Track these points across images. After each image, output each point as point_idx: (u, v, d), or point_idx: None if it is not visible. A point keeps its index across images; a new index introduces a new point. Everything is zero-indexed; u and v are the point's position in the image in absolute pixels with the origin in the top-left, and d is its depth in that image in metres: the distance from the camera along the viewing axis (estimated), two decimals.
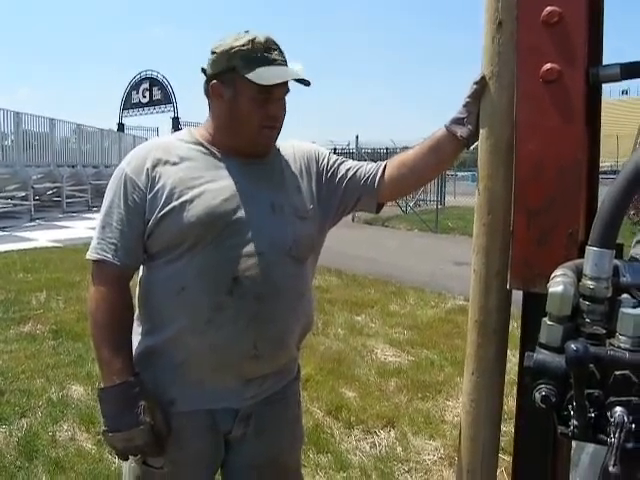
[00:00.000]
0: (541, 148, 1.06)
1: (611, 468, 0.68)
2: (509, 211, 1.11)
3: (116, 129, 26.84)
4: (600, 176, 1.29)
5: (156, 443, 1.24)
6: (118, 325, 1.27)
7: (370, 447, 2.94)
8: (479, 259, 1.19)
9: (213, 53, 1.29)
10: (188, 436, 1.31)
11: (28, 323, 4.87)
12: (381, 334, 4.84)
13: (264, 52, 1.25)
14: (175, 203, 1.24)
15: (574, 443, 1.23)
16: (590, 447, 1.28)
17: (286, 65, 1.29)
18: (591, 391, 0.73)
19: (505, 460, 2.13)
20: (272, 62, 1.26)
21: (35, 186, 14.57)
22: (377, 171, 1.43)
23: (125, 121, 29.30)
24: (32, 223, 12.89)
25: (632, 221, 10.03)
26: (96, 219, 1.34)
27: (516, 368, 1.11)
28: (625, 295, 0.82)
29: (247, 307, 1.25)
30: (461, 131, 1.26)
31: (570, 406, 0.75)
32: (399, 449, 2.91)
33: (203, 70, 1.32)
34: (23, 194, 14.36)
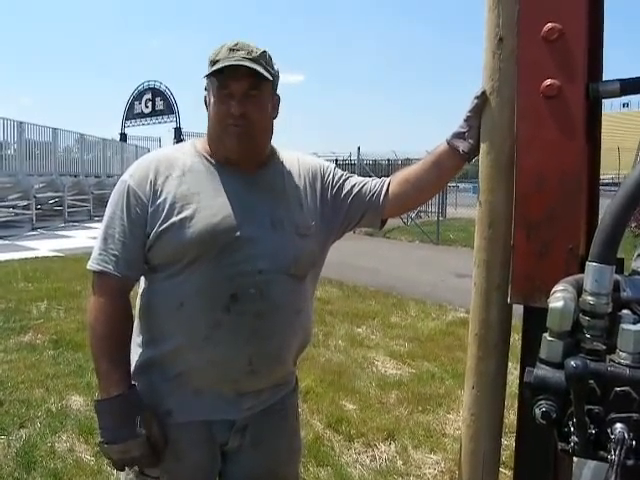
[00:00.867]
0: (541, 163, 1.07)
1: None
2: (510, 225, 1.12)
3: (118, 139, 26.94)
4: (602, 188, 1.29)
5: (152, 454, 1.24)
6: (117, 337, 1.27)
7: (370, 460, 2.93)
8: (480, 273, 1.19)
9: None
10: (185, 447, 1.30)
11: (28, 333, 4.87)
12: (382, 346, 4.82)
13: (228, 53, 1.26)
14: (175, 219, 1.25)
15: (576, 458, 1.22)
16: (592, 462, 1.27)
17: (249, 60, 1.25)
18: (591, 407, 0.73)
19: (506, 474, 2.11)
20: (231, 58, 1.25)
21: (37, 195, 14.62)
22: (382, 188, 1.43)
23: (128, 131, 29.38)
24: (33, 232, 12.92)
25: (634, 234, 10.02)
26: (98, 229, 1.34)
27: (517, 381, 1.10)
28: (625, 311, 0.82)
29: (244, 324, 1.25)
30: (462, 145, 1.27)
31: (570, 422, 0.75)
32: (399, 462, 2.89)
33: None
34: (25, 203, 14.40)
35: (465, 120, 1.25)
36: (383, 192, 1.42)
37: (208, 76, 1.28)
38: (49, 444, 2.94)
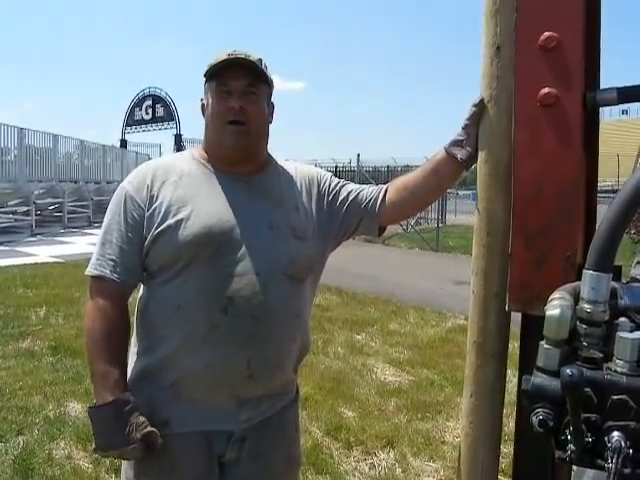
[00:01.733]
0: (539, 171, 1.07)
1: None
2: (508, 233, 1.12)
3: (119, 145, 26.99)
4: (601, 195, 1.29)
5: (148, 456, 1.24)
6: (114, 340, 1.27)
7: (369, 468, 2.91)
8: (478, 280, 1.19)
9: None
10: (182, 458, 1.29)
11: (27, 339, 4.85)
12: (381, 353, 4.81)
13: (227, 57, 1.29)
14: (171, 221, 1.25)
15: (574, 466, 1.22)
16: (591, 470, 1.27)
17: (244, 60, 1.29)
18: (588, 415, 0.73)
19: None
20: (227, 57, 1.28)
21: (37, 201, 14.63)
22: (378, 195, 1.43)
23: (128, 137, 29.45)
24: (33, 238, 12.91)
25: (633, 240, 10.02)
26: (97, 235, 1.35)
27: (516, 389, 1.10)
28: (622, 318, 0.82)
29: (242, 326, 1.25)
30: (460, 153, 1.27)
31: (568, 430, 0.75)
32: (398, 470, 2.88)
33: None
34: (25, 209, 14.41)
35: (463, 128, 1.25)
36: (379, 199, 1.42)
37: (207, 78, 1.31)
38: (47, 451, 2.93)
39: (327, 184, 1.46)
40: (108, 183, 19.27)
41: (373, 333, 5.44)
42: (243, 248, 1.27)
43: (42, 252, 10.50)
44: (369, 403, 3.72)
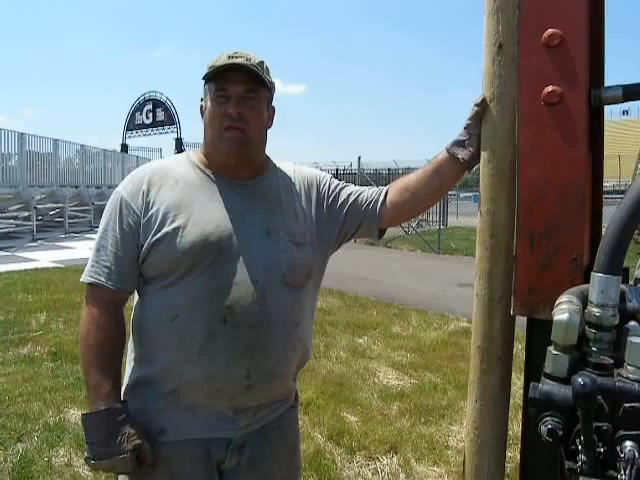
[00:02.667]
0: (544, 171, 1.05)
1: None
2: (512, 234, 1.10)
3: (120, 150, 27.05)
4: (604, 195, 1.27)
5: (139, 470, 1.21)
6: (108, 349, 1.25)
7: (372, 474, 2.88)
8: (482, 283, 1.17)
9: None
10: (179, 466, 1.27)
11: (27, 345, 4.84)
12: (383, 357, 4.78)
13: (227, 59, 1.26)
14: (168, 229, 1.23)
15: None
16: None
17: (245, 64, 1.26)
18: (600, 424, 0.70)
19: None
20: (228, 59, 1.26)
21: (38, 206, 14.64)
22: (379, 197, 1.41)
23: (129, 142, 29.55)
24: (34, 243, 12.92)
25: (635, 241, 9.99)
26: None
27: (521, 392, 1.08)
28: (633, 322, 0.79)
29: (241, 336, 1.22)
30: (462, 154, 1.25)
31: (578, 440, 0.72)
32: (402, 476, 2.85)
33: None
34: (26, 214, 14.43)
35: (465, 128, 1.23)
36: (380, 201, 1.40)
37: (206, 80, 1.28)
38: (46, 459, 2.90)
39: (326, 186, 1.44)
40: (109, 188, 19.29)
41: (375, 336, 5.41)
42: (241, 256, 1.24)
43: (43, 257, 10.51)
44: (372, 407, 3.69)
